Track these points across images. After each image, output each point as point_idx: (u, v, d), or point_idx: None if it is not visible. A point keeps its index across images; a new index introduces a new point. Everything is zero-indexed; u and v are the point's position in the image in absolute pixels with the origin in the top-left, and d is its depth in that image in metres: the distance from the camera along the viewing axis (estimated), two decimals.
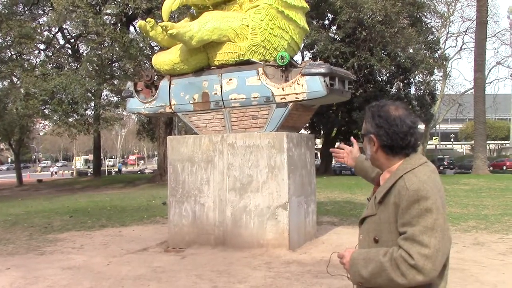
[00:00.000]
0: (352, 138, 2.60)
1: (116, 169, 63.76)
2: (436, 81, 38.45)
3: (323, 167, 34.58)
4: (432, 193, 1.91)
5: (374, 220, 2.07)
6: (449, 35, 47.32)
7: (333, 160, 33.12)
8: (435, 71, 33.30)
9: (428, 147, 52.37)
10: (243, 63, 7.76)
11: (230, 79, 7.78)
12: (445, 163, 41.97)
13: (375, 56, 26.19)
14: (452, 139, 64.56)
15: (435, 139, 62.99)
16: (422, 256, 1.84)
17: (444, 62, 35.10)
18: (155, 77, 8.62)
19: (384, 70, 30.27)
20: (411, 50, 28.21)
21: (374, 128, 2.07)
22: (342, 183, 22.14)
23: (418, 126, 2.09)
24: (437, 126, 55.39)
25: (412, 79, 32.15)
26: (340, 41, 26.81)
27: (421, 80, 31.98)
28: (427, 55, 29.13)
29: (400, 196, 1.95)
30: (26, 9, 28.08)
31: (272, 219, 7.53)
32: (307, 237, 8.20)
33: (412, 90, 33.22)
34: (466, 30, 46.27)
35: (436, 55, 31.72)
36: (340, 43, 26.16)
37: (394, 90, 33.06)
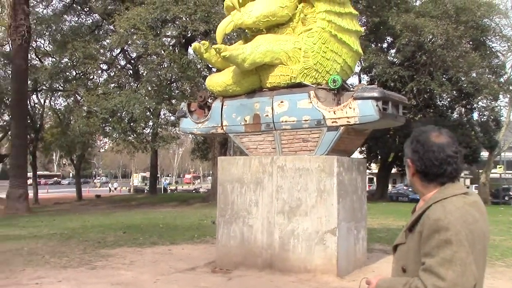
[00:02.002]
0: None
1: (173, 187, 64.98)
2: (501, 107, 36.95)
3: (379, 192, 33.81)
4: (454, 224, 1.82)
5: (403, 248, 2.03)
6: None
7: (390, 186, 32.35)
8: (500, 96, 32.01)
9: (492, 175, 50.15)
10: (295, 86, 7.74)
11: (282, 102, 7.77)
12: (511, 193, 40.04)
13: (435, 81, 25.52)
14: None
15: (499, 167, 60.27)
16: None
17: (510, 87, 33.71)
18: (209, 98, 8.74)
19: (445, 95, 29.44)
20: (474, 75, 27.29)
21: (410, 153, 2.05)
22: (398, 210, 21.48)
23: (460, 156, 2.00)
24: (502, 153, 53.01)
25: (475, 105, 31.07)
26: (399, 64, 26.34)
27: (485, 105, 30.85)
28: (492, 79, 28.05)
29: (424, 225, 1.90)
30: (90, 31, 29.47)
31: (321, 244, 7.38)
32: (356, 264, 7.97)
33: (475, 116, 32.12)
34: None
35: (502, 79, 30.53)
36: (399, 67, 25.68)
37: (456, 116, 32.08)
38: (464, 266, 1.79)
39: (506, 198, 37.59)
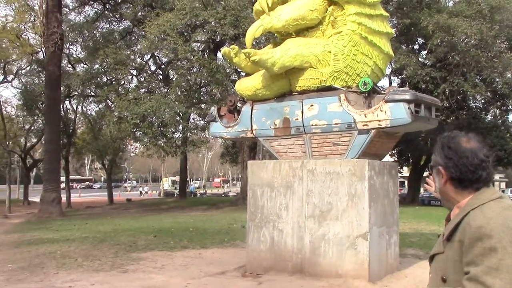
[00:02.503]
0: (427, 178, 2.47)
1: (202, 191, 65.34)
2: None
3: (410, 196, 33.31)
4: (497, 231, 1.74)
5: (442, 258, 1.95)
6: None
7: (421, 189, 31.76)
8: None
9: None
10: (325, 89, 7.67)
11: (312, 105, 7.70)
12: None
13: (468, 82, 24.98)
14: None
15: None
16: None
17: None
18: (238, 103, 8.74)
19: (478, 96, 28.83)
20: (509, 75, 26.64)
21: (443, 160, 1.97)
22: (430, 214, 21.08)
23: (491, 160, 1.94)
24: None
25: (510, 106, 30.34)
26: (430, 66, 25.88)
27: None
28: None
29: (464, 233, 1.82)
30: (122, 37, 29.93)
31: (352, 249, 7.28)
32: (388, 269, 7.83)
33: (510, 118, 31.38)
34: None
35: None
36: (431, 68, 25.23)
37: (490, 118, 31.37)
38: (511, 274, 1.72)
39: None
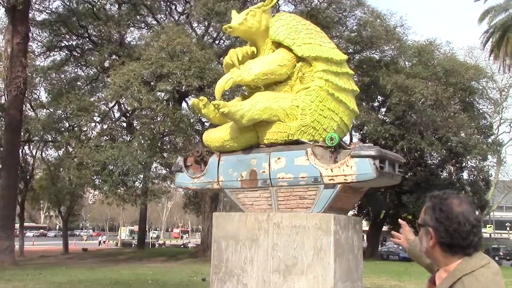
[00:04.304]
0: (400, 220, 2.45)
1: (160, 242, 63.81)
2: (490, 167, 37.38)
3: (370, 250, 33.51)
4: None
5: None
6: (502, 121, 46.36)
7: (380, 244, 32.03)
8: (489, 156, 32.48)
9: (483, 235, 50.00)
10: (292, 143, 7.77)
11: (279, 158, 7.78)
12: (501, 253, 39.79)
13: (425, 140, 25.93)
14: (508, 228, 61.43)
15: (489, 227, 60.19)
16: None
17: (498, 148, 34.24)
18: (205, 153, 8.73)
19: (435, 154, 29.80)
20: (463, 135, 27.78)
21: (433, 222, 1.92)
22: (389, 269, 21.22)
23: (482, 224, 1.98)
24: (491, 213, 53.10)
25: (465, 164, 31.42)
26: (389, 123, 26.80)
27: (474, 165, 31.21)
28: (480, 140, 28.57)
29: None
30: (87, 83, 29.81)
31: None
32: None
33: (465, 175, 32.40)
34: None
35: (490, 140, 31.08)
36: (390, 125, 26.12)
37: (446, 175, 32.34)
38: None
39: (497, 258, 37.26)
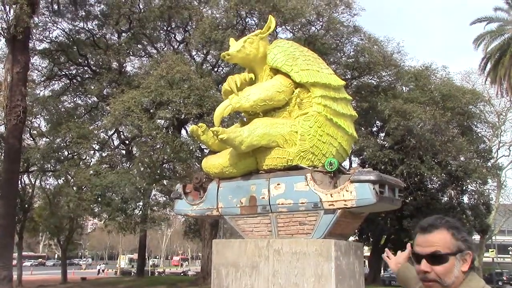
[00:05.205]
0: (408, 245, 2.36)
1: (160, 270, 63.12)
2: (491, 191, 37.30)
3: (372, 276, 33.15)
4: None
5: None
6: (501, 144, 46.44)
7: (382, 269, 31.73)
8: (489, 180, 32.43)
9: (485, 259, 49.47)
10: (292, 169, 7.78)
11: (278, 184, 7.77)
12: (504, 278, 39.37)
13: (425, 164, 25.91)
14: (510, 252, 60.91)
15: (491, 251, 59.67)
16: None
17: (498, 172, 34.23)
18: (204, 180, 8.72)
19: (435, 178, 29.75)
20: (462, 159, 27.80)
21: (465, 244, 1.91)
22: None
23: None
24: (494, 237, 52.74)
25: (465, 188, 31.35)
26: (388, 148, 26.81)
27: (474, 189, 31.13)
28: (480, 164, 28.57)
29: None
30: (86, 112, 29.94)
31: None
32: None
33: (466, 199, 32.30)
34: None
35: (489, 164, 31.08)
36: (389, 150, 26.12)
37: (446, 199, 32.22)
38: None
39: (500, 283, 36.88)
